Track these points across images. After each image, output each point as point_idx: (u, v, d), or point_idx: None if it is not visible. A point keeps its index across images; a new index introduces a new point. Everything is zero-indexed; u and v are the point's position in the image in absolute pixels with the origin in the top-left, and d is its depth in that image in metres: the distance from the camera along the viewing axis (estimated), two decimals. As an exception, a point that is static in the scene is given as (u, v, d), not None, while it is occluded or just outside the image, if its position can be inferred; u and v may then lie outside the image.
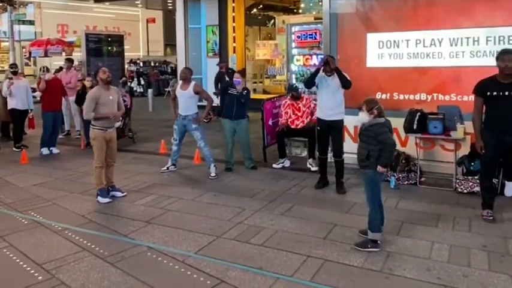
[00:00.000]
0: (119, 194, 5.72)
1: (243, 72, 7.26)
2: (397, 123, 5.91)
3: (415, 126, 5.89)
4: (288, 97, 7.14)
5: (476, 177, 5.55)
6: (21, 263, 3.94)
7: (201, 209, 5.20)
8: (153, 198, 5.65)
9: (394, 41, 6.42)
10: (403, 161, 6.12)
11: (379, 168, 4.03)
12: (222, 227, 4.64)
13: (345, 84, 5.53)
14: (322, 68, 5.58)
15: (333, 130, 5.73)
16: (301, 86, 7.53)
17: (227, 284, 3.51)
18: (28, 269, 3.83)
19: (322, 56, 7.07)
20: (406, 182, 5.99)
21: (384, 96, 6.45)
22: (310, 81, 5.73)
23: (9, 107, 8.68)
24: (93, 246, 4.25)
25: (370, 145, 4.03)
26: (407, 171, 6.06)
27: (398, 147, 6.28)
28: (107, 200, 5.51)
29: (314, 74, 5.66)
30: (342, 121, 5.76)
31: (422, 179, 6.02)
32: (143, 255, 4.06)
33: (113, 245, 4.26)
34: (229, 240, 4.32)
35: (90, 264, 3.89)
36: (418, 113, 5.90)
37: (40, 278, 3.67)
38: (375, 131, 4.01)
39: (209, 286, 3.49)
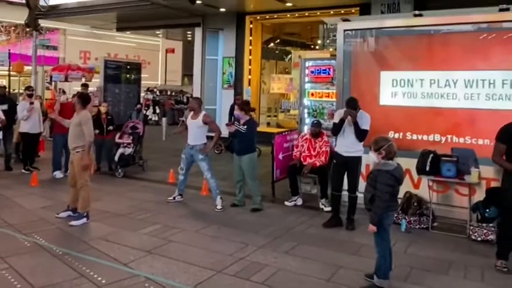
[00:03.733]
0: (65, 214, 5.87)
1: (241, 105, 6.74)
2: (410, 163, 5.82)
3: (427, 168, 5.75)
4: (309, 132, 7.06)
5: (491, 224, 5.36)
6: (19, 286, 3.89)
7: (204, 242, 5.10)
8: (156, 227, 5.57)
9: (408, 80, 6.39)
10: (415, 204, 5.94)
11: (370, 227, 3.91)
12: (223, 261, 4.51)
13: (359, 137, 5.61)
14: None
15: (349, 166, 5.73)
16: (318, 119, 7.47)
17: (223, 324, 3.37)
18: (24, 293, 3.76)
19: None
20: (418, 226, 5.79)
21: (396, 135, 6.37)
22: (337, 131, 5.80)
23: (21, 130, 8.77)
24: (91, 273, 4.16)
25: (374, 189, 3.91)
26: (419, 215, 5.86)
27: (411, 189, 6.17)
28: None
29: (340, 125, 5.71)
30: (359, 158, 5.75)
31: (435, 223, 5.82)
32: (140, 286, 3.95)
33: (111, 273, 4.17)
34: (229, 276, 4.19)
35: (86, 292, 3.80)
36: (431, 155, 5.77)
37: (34, 303, 3.60)
38: (376, 176, 3.90)
39: (205, 324, 3.36)
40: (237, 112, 6.67)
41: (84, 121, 5.71)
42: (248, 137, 6.50)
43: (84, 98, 6.01)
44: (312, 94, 8.06)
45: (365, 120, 5.64)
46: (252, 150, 6.54)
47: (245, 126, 6.49)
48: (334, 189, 5.88)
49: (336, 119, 5.78)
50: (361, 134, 5.60)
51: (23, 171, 8.63)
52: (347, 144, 5.70)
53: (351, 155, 5.68)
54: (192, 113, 6.80)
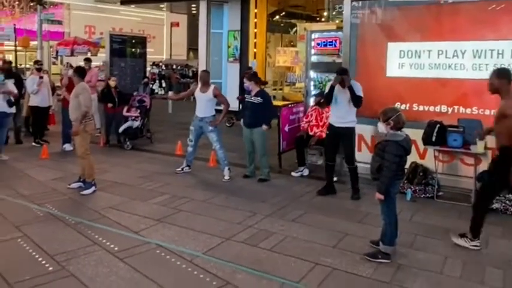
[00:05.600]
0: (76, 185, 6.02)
1: (250, 76, 6.71)
2: (416, 134, 5.82)
3: (433, 139, 5.78)
4: (314, 101, 7.09)
5: (495, 193, 5.41)
6: (34, 253, 4.02)
7: (212, 211, 5.21)
8: (166, 197, 5.69)
9: (416, 51, 6.33)
10: (421, 174, 6.00)
11: (377, 196, 3.96)
12: (231, 229, 4.63)
13: (356, 103, 5.62)
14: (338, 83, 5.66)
15: (343, 137, 5.79)
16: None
17: (233, 286, 3.49)
18: (40, 259, 3.90)
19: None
20: (423, 195, 5.86)
21: (403, 106, 6.35)
22: (329, 99, 5.83)
23: (31, 104, 8.86)
24: (104, 240, 4.29)
25: (382, 159, 3.95)
26: (425, 185, 5.93)
27: (417, 159, 6.21)
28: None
29: (331, 92, 5.73)
30: (352, 129, 5.79)
31: (440, 193, 5.88)
32: (152, 253, 4.08)
33: (123, 241, 4.30)
34: (238, 243, 4.31)
35: (100, 258, 3.93)
36: (438, 125, 5.79)
37: (51, 268, 3.74)
38: (384, 146, 3.93)
39: (215, 287, 3.48)
40: (246, 84, 6.64)
41: (79, 91, 5.79)
42: (261, 109, 6.43)
43: (80, 71, 6.13)
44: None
45: (357, 88, 5.65)
46: (264, 123, 6.47)
47: (259, 97, 6.47)
48: (328, 160, 5.97)
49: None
50: (357, 101, 5.59)
51: (34, 144, 8.75)
52: (340, 115, 5.73)
53: (343, 126, 5.71)
54: (200, 85, 6.81)
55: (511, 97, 4.10)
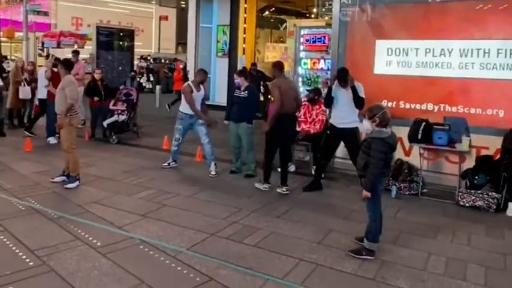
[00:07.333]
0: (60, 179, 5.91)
1: (240, 72, 6.82)
2: (402, 132, 5.87)
3: (419, 136, 5.81)
4: (305, 98, 7.08)
5: (479, 191, 5.47)
6: (14, 248, 3.94)
7: (197, 206, 5.17)
8: (151, 192, 5.63)
9: (403, 49, 6.35)
10: (406, 171, 6.04)
11: (363, 193, 3.96)
12: (216, 225, 4.60)
13: (358, 104, 5.58)
14: (335, 83, 5.69)
15: (347, 139, 5.75)
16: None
17: (216, 282, 3.47)
18: (20, 254, 3.82)
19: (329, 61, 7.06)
20: (408, 192, 5.90)
21: (390, 104, 6.38)
22: (328, 101, 5.88)
23: (40, 97, 8.77)
24: (86, 235, 4.23)
25: (368, 156, 3.96)
26: (410, 182, 5.97)
27: (402, 156, 6.25)
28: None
29: (329, 94, 5.79)
30: (355, 129, 5.70)
31: (425, 190, 5.93)
32: (135, 248, 4.04)
33: (106, 236, 4.24)
34: (222, 238, 4.28)
35: (82, 253, 3.87)
36: (423, 123, 5.83)
37: (31, 264, 3.67)
38: (370, 144, 3.93)
39: (198, 283, 3.45)
40: (237, 80, 6.61)
41: (65, 84, 5.70)
42: (248, 104, 6.44)
43: (66, 63, 6.04)
44: (306, 63, 8.02)
45: (360, 90, 5.65)
46: (251, 118, 6.47)
47: (246, 91, 6.44)
48: (323, 158, 5.94)
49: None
50: (359, 102, 5.58)
51: (29, 134, 8.62)
52: (341, 115, 5.67)
53: (345, 127, 5.66)
54: (194, 85, 6.62)
55: (277, 79, 5.79)
